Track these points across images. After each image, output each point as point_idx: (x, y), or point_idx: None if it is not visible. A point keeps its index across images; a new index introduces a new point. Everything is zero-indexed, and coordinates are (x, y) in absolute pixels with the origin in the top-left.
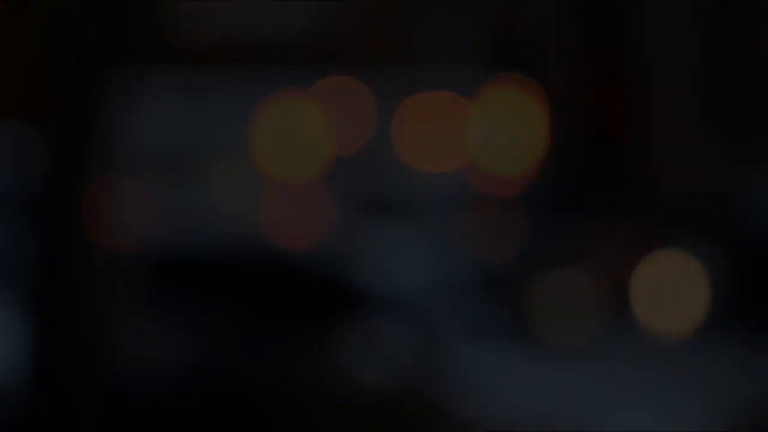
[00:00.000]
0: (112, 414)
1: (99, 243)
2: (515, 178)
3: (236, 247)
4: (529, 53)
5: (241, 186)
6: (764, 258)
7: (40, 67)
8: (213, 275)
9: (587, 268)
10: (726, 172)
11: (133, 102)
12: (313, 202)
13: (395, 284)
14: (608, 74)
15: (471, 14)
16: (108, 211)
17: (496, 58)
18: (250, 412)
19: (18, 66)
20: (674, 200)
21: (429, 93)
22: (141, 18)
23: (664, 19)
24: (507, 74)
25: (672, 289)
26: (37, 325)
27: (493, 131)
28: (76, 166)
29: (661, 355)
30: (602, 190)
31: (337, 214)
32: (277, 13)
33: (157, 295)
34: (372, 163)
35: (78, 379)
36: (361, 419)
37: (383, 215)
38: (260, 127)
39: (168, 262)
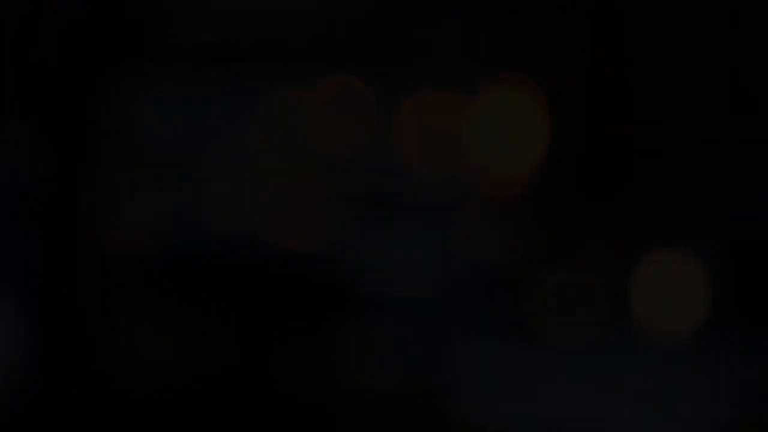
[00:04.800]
0: (112, 414)
1: (99, 243)
2: (515, 178)
3: (236, 248)
4: (529, 53)
5: (241, 186)
6: (764, 258)
7: (40, 67)
8: (213, 275)
9: (587, 268)
10: (725, 172)
11: (133, 102)
12: (313, 202)
13: (396, 284)
14: (608, 74)
15: (471, 14)
16: (108, 211)
17: (496, 58)
18: (250, 413)
19: (18, 66)
20: (674, 200)
21: (429, 93)
22: (141, 17)
23: (665, 19)
24: (507, 74)
25: (672, 289)
26: (37, 325)
27: (493, 131)
28: (76, 166)
29: (660, 356)
30: (602, 190)
31: (337, 214)
32: (277, 13)
33: (157, 296)
34: (372, 163)
35: (78, 379)
36: (362, 419)
37: (383, 215)
38: (260, 127)
39: (168, 262)
